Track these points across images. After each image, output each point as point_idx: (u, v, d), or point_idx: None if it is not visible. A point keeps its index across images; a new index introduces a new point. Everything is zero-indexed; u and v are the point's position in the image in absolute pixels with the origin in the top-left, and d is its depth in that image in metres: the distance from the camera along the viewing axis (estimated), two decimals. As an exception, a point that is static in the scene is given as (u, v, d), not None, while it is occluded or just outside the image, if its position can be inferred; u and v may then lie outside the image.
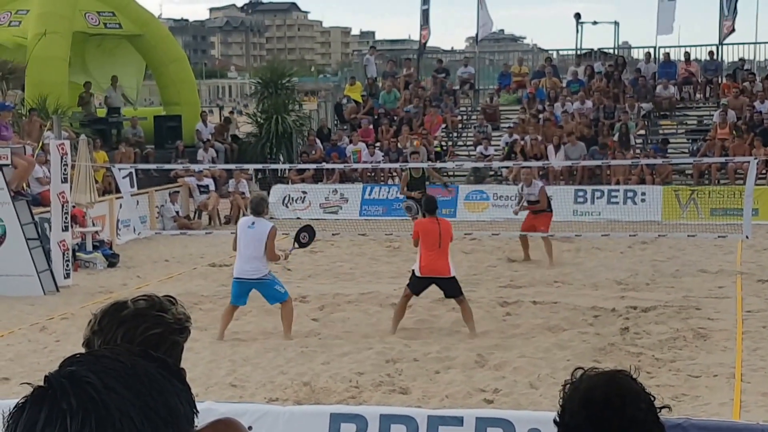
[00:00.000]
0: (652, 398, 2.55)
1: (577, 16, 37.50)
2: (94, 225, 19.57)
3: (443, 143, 29.95)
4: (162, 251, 20.36)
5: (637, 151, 27.04)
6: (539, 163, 25.04)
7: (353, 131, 29.86)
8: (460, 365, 10.94)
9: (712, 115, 28.36)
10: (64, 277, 16.54)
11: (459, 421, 6.17)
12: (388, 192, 25.30)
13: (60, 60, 26.62)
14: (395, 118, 30.46)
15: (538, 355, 11.34)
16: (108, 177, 23.17)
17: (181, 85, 30.70)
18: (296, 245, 13.16)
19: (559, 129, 27.68)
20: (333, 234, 21.29)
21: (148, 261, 19.34)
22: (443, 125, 30.49)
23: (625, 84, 30.72)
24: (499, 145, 28.54)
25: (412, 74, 33.38)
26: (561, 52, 38.10)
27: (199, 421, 1.68)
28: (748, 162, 19.85)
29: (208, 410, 5.56)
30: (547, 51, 38.40)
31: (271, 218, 25.05)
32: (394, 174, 26.61)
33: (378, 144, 28.62)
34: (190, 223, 23.71)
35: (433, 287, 12.92)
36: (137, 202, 22.10)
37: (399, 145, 28.03)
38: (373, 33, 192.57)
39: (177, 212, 23.87)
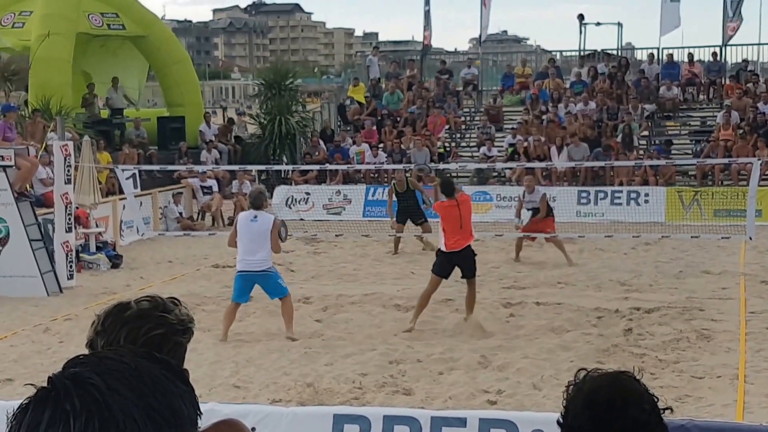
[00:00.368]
0: (656, 399, 2.55)
1: (581, 17, 37.49)
2: (97, 226, 19.58)
3: (446, 144, 29.95)
4: (165, 252, 20.37)
5: (641, 152, 27.04)
6: (542, 164, 25.05)
7: (356, 132, 29.87)
8: (464, 366, 10.94)
9: (716, 117, 28.34)
10: (68, 278, 16.55)
11: (462, 422, 6.17)
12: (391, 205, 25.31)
13: (63, 61, 26.64)
14: (398, 119, 30.48)
15: (541, 356, 11.33)
16: (111, 178, 23.18)
17: (185, 87, 30.72)
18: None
19: (562, 130, 27.67)
20: (336, 235, 21.29)
21: (152, 262, 19.35)
22: (446, 126, 30.49)
23: (629, 85, 30.72)
24: (502, 146, 28.53)
25: (415, 75, 33.40)
26: (564, 53, 38.11)
27: (203, 422, 1.68)
28: (752, 163, 19.84)
29: (211, 411, 5.56)
30: (550, 52, 38.40)
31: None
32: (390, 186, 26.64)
33: (381, 145, 28.62)
34: (193, 224, 23.73)
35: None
36: (140, 203, 22.12)
37: (402, 146, 28.04)
38: (376, 34, 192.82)
39: (180, 213, 23.88)
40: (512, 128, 29.14)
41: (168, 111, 31.15)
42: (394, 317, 13.74)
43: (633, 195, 24.37)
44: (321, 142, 28.95)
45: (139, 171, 22.64)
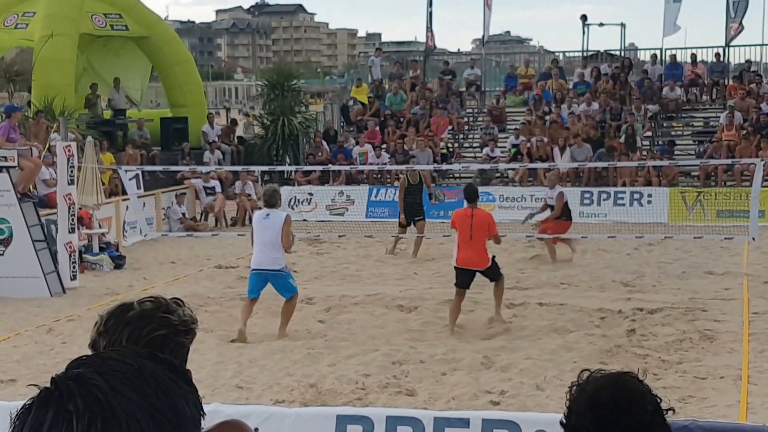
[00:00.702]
0: (659, 400, 2.55)
1: (584, 17, 37.48)
2: (100, 227, 19.59)
3: (449, 145, 29.94)
4: (168, 253, 20.38)
5: (644, 152, 27.03)
6: (545, 165, 25.04)
7: (359, 133, 29.87)
8: (467, 367, 10.93)
9: (719, 117, 28.33)
10: (71, 279, 16.56)
11: (465, 422, 6.17)
12: (395, 194, 25.28)
13: (67, 62, 26.66)
14: (402, 119, 30.48)
15: (544, 356, 11.33)
16: (114, 179, 23.19)
17: (188, 87, 30.72)
18: None
19: (565, 131, 27.66)
20: (339, 236, 21.29)
21: (155, 263, 19.36)
22: (449, 127, 30.49)
23: (632, 86, 30.70)
24: (505, 147, 28.53)
25: (418, 76, 33.39)
26: (567, 54, 38.06)
27: (206, 423, 1.68)
28: (755, 164, 19.83)
29: (214, 412, 5.56)
30: (553, 53, 38.45)
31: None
32: (400, 176, 26.61)
33: (384, 146, 28.62)
34: (196, 225, 23.74)
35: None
36: (144, 203, 22.13)
37: (405, 147, 28.03)
38: (379, 35, 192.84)
39: (183, 214, 23.90)
40: (515, 129, 29.13)
41: (171, 112, 31.16)
42: (397, 318, 13.74)
43: (636, 196, 24.36)
44: (324, 143, 28.96)
45: (142, 172, 22.64)
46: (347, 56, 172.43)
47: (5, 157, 16.09)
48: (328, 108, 33.98)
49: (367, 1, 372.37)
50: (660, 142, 28.49)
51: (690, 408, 9.09)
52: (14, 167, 16.26)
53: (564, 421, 2.57)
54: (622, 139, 27.06)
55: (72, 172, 16.94)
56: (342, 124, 31.87)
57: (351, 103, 32.39)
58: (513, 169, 26.37)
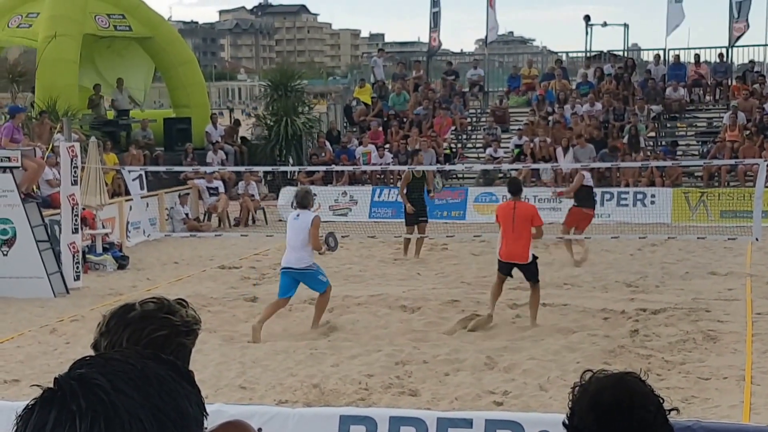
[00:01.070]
0: (661, 400, 2.55)
1: (587, 18, 37.49)
2: (104, 227, 19.60)
3: (452, 145, 29.95)
4: (171, 253, 20.38)
5: (647, 153, 27.01)
6: (548, 165, 25.03)
7: (363, 133, 29.89)
8: (470, 367, 10.93)
9: (722, 117, 28.32)
10: (74, 279, 16.56)
11: (468, 423, 6.17)
12: (398, 194, 25.31)
13: (70, 62, 26.70)
14: (405, 120, 30.49)
15: (547, 357, 11.32)
16: (118, 179, 23.22)
17: (191, 88, 30.75)
18: (327, 247, 13.37)
19: (568, 131, 27.66)
20: (342, 236, 21.26)
21: (158, 263, 19.36)
22: (453, 127, 30.50)
23: (635, 86, 30.70)
24: (508, 148, 28.54)
25: (421, 76, 33.41)
26: (570, 54, 38.11)
27: (209, 423, 1.68)
28: (758, 164, 19.81)
29: (217, 412, 5.56)
30: (556, 53, 38.43)
31: (280, 220, 25.14)
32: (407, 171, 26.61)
33: (387, 146, 28.63)
34: (199, 225, 23.75)
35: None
36: (147, 204, 22.14)
37: (408, 147, 28.03)
38: (382, 35, 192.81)
39: (186, 214, 23.91)
40: (518, 129, 29.15)
41: (174, 112, 31.19)
42: (400, 318, 13.73)
43: (639, 196, 24.35)
44: (327, 143, 28.97)
45: (146, 172, 22.69)
46: (350, 57, 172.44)
47: (9, 158, 16.10)
48: (331, 108, 34.00)
49: (371, 1, 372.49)
50: (663, 143, 28.48)
51: (693, 408, 9.08)
52: (18, 167, 16.27)
53: (566, 421, 2.57)
54: (625, 140, 27.05)
55: (75, 172, 16.95)
56: (345, 124, 31.89)
57: (354, 103, 32.41)
58: (516, 169, 26.34)
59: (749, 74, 30.65)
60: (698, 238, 19.83)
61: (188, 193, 24.55)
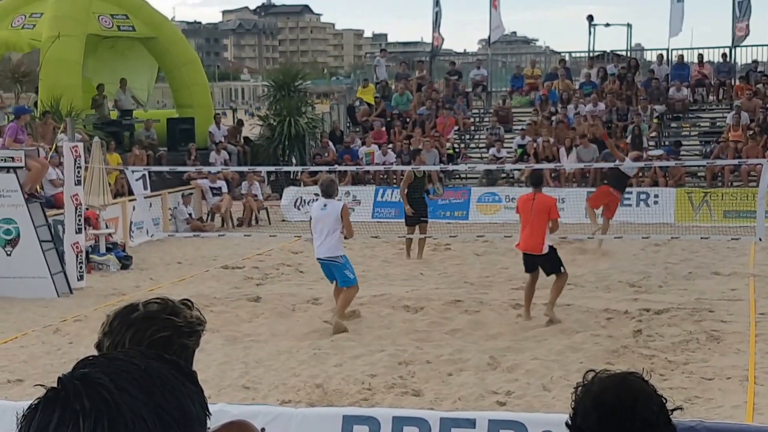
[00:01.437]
0: (664, 400, 2.55)
1: (590, 18, 37.49)
2: (107, 227, 19.62)
3: (456, 145, 29.94)
4: (175, 253, 20.39)
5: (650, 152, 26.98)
6: (551, 166, 25.02)
7: (366, 133, 29.89)
8: (473, 367, 10.93)
9: (725, 117, 28.30)
10: (78, 279, 16.58)
11: (471, 423, 6.17)
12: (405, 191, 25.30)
13: (73, 63, 26.72)
14: (408, 120, 30.49)
15: (550, 357, 11.32)
16: (121, 179, 23.23)
17: (194, 88, 30.77)
18: None
19: (571, 131, 27.65)
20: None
21: (161, 263, 19.37)
22: (456, 127, 30.49)
23: (638, 86, 30.68)
24: (511, 148, 28.53)
25: (424, 76, 33.40)
26: (574, 54, 38.11)
27: (212, 423, 1.68)
28: (761, 164, 19.79)
29: (221, 412, 5.57)
30: (559, 53, 38.42)
31: (283, 220, 25.16)
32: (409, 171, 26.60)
33: (390, 146, 28.64)
34: (203, 226, 23.76)
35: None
36: (150, 204, 22.15)
37: (411, 147, 28.04)
38: (385, 35, 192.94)
39: (190, 214, 23.91)
40: (521, 129, 29.13)
41: (177, 112, 31.21)
42: (403, 318, 13.73)
43: (642, 196, 24.32)
44: (330, 144, 28.98)
45: (149, 172, 22.69)
46: (353, 57, 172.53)
47: (12, 158, 16.13)
48: (334, 108, 34.00)
49: (374, 1, 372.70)
50: (666, 143, 28.46)
51: (696, 409, 9.08)
52: (21, 168, 16.29)
53: (569, 421, 2.57)
54: (628, 140, 27.02)
55: (79, 172, 16.97)
56: (348, 124, 31.89)
57: (357, 103, 32.41)
58: (519, 169, 26.36)
59: (752, 74, 30.62)
60: (701, 238, 19.81)
61: (191, 193, 24.56)
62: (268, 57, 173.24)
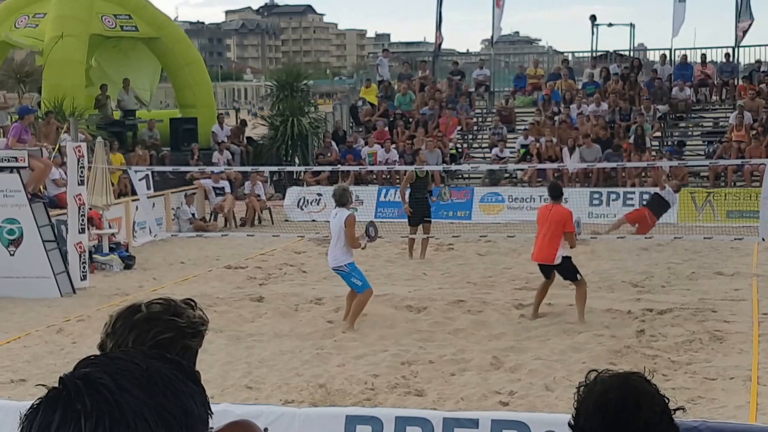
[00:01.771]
0: (667, 400, 2.54)
1: (593, 18, 37.43)
2: (110, 227, 19.62)
3: (458, 145, 29.93)
4: (178, 253, 20.40)
5: (653, 153, 26.98)
6: (554, 165, 25.02)
7: (368, 133, 29.88)
8: (476, 367, 10.93)
9: (728, 117, 28.27)
10: (81, 279, 16.59)
11: (474, 423, 6.17)
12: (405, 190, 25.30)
13: (77, 63, 26.73)
14: (411, 120, 30.48)
15: (553, 357, 11.32)
16: (124, 179, 23.23)
17: (197, 88, 30.77)
18: (368, 238, 13.51)
19: (574, 131, 27.63)
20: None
21: (164, 263, 19.38)
22: (458, 127, 30.47)
23: (641, 86, 30.65)
24: (514, 148, 28.51)
25: (427, 76, 33.38)
26: (576, 54, 38.07)
27: (215, 423, 1.68)
28: (765, 164, 19.78)
29: (224, 412, 5.57)
30: (562, 53, 38.43)
31: (286, 220, 25.16)
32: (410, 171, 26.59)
33: (393, 146, 28.62)
34: (206, 225, 23.77)
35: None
36: (153, 204, 22.16)
37: (414, 147, 28.03)
38: (388, 35, 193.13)
39: (193, 214, 23.92)
40: (524, 129, 29.10)
41: (180, 112, 31.21)
42: (406, 318, 13.73)
43: (645, 196, 24.28)
44: (333, 143, 28.97)
45: (152, 172, 22.69)
46: (356, 57, 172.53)
47: (16, 158, 16.14)
48: (337, 108, 33.98)
49: (377, 1, 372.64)
50: (669, 143, 28.44)
51: (699, 409, 9.07)
52: (25, 168, 16.31)
53: (572, 422, 2.57)
54: (631, 140, 27.01)
55: (82, 172, 16.98)
56: (351, 124, 31.89)
57: (360, 103, 32.41)
58: (522, 169, 26.35)
59: (756, 74, 30.60)
60: (704, 238, 19.80)
61: (194, 193, 24.57)
62: (271, 57, 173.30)
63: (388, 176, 26.97)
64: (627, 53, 35.33)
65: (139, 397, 1.44)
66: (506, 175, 27.31)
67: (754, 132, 26.67)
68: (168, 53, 30.22)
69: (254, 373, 10.89)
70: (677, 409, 2.56)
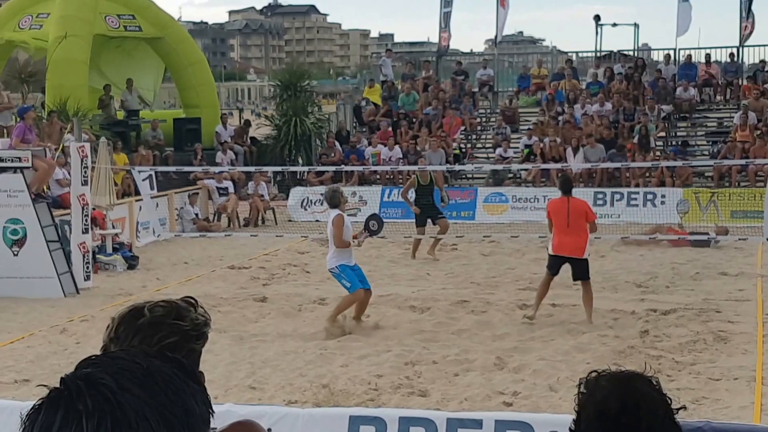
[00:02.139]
0: (669, 400, 2.52)
1: (597, 18, 37.44)
2: (113, 227, 19.63)
3: (462, 145, 29.92)
4: (181, 253, 20.41)
5: (657, 153, 26.95)
6: (558, 166, 25.00)
7: (372, 133, 29.88)
8: (479, 368, 10.92)
9: (733, 117, 28.24)
10: (84, 279, 16.59)
11: (478, 423, 6.16)
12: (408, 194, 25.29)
13: (80, 63, 26.75)
14: (414, 120, 30.47)
15: (557, 357, 11.31)
16: (128, 179, 23.24)
17: (201, 88, 30.78)
18: (367, 233, 13.44)
19: (578, 131, 27.61)
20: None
21: (168, 263, 19.39)
22: (462, 127, 30.47)
23: (645, 86, 30.62)
24: (518, 148, 28.50)
25: (431, 76, 33.38)
26: (580, 54, 38.07)
27: (219, 424, 1.68)
28: (769, 164, 19.75)
29: (227, 412, 5.57)
30: (566, 53, 38.39)
31: (289, 220, 25.15)
32: (411, 175, 26.58)
33: (397, 146, 28.62)
34: (209, 226, 23.77)
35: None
36: (157, 204, 22.17)
37: (418, 147, 28.03)
38: (392, 35, 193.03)
39: (196, 214, 23.93)
40: (528, 129, 29.09)
41: (184, 112, 31.22)
42: (409, 318, 13.73)
43: (649, 196, 24.28)
44: (336, 144, 28.97)
45: (156, 172, 22.70)
46: (360, 57, 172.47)
47: (19, 158, 16.14)
48: (340, 108, 33.99)
49: (380, 1, 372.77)
50: (673, 143, 28.42)
51: (703, 409, 9.06)
52: (28, 168, 16.31)
53: (573, 427, 2.54)
54: (635, 140, 26.99)
55: (86, 172, 16.98)
56: (354, 124, 31.88)
57: (363, 103, 32.41)
58: (526, 169, 26.34)
59: (760, 74, 30.56)
60: (709, 238, 19.77)
61: (198, 193, 24.58)
62: (274, 57, 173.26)
63: (392, 176, 26.96)
64: (631, 53, 35.32)
65: (141, 396, 1.44)
66: (510, 175, 27.29)
67: (758, 132, 26.63)
68: (171, 53, 30.24)
69: (258, 373, 10.89)
70: (679, 408, 2.54)
